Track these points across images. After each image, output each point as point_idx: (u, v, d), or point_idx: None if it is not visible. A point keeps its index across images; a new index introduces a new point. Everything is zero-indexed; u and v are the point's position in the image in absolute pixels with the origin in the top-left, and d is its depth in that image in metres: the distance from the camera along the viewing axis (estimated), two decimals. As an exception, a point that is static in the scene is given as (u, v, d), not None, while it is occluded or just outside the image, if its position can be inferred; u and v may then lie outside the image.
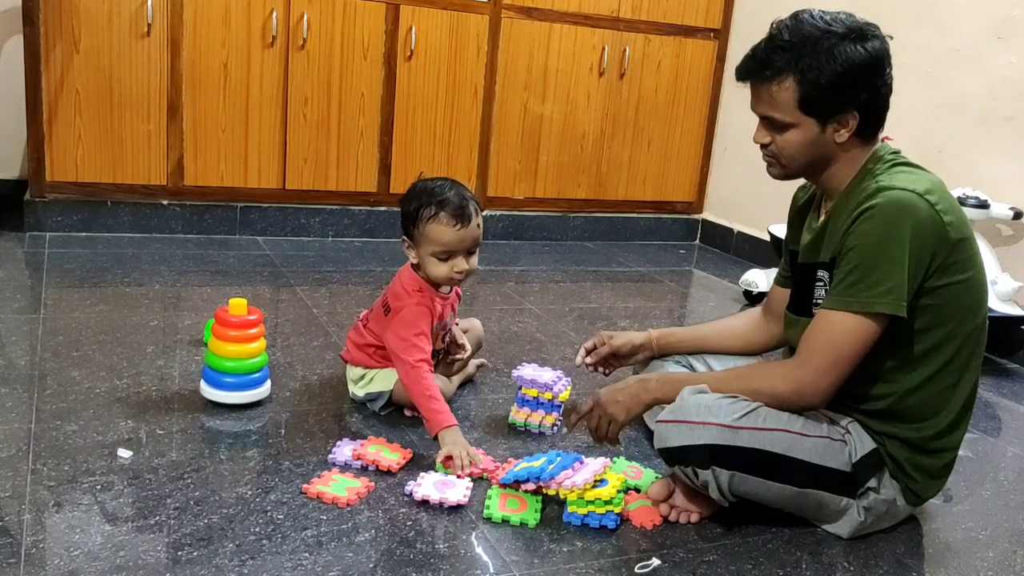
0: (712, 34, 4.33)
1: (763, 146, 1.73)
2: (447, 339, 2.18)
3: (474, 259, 2.00)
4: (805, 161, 1.70)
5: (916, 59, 3.40)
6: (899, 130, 3.25)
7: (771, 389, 1.66)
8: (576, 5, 4.01)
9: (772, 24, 1.67)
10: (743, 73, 1.69)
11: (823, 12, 1.63)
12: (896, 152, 1.71)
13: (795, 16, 1.65)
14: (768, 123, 1.69)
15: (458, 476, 1.79)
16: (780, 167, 1.73)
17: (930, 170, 1.69)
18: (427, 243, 1.96)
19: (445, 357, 2.21)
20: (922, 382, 1.66)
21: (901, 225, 1.56)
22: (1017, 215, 2.96)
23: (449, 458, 1.82)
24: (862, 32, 1.61)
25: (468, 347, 2.23)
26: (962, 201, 2.90)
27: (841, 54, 1.59)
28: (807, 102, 1.62)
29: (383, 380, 2.07)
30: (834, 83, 1.59)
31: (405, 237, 2.02)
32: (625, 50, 4.15)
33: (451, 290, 2.10)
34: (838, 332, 1.61)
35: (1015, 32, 3.10)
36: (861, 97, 1.62)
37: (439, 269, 1.97)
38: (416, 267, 2.03)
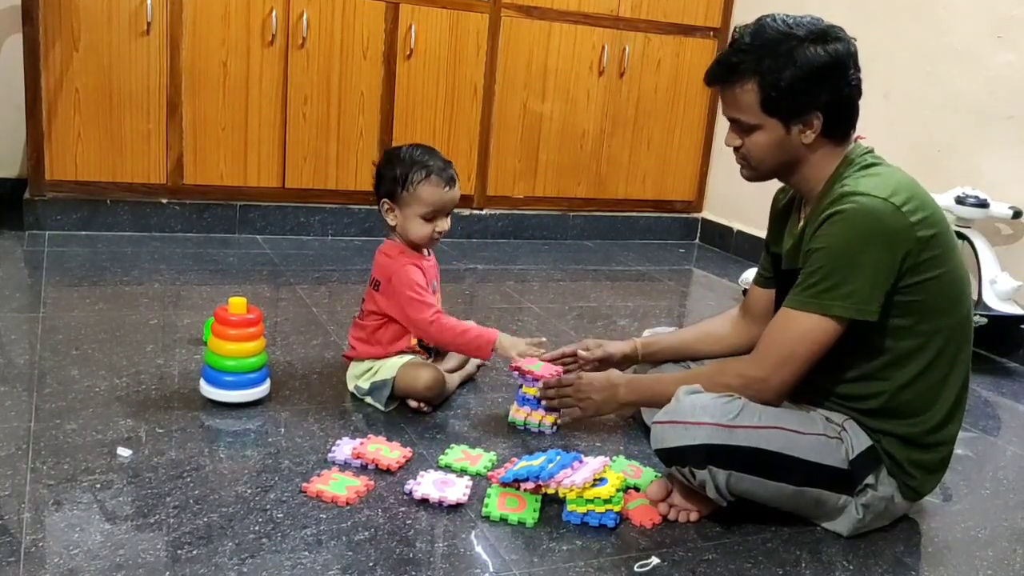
0: (712, 33, 4.32)
1: (735, 149, 1.76)
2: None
3: (449, 220, 2.13)
4: (774, 163, 1.73)
5: (916, 58, 3.40)
6: (899, 129, 3.26)
7: (726, 383, 1.69)
8: (576, 4, 4.01)
9: (735, 29, 1.72)
10: (710, 78, 1.74)
11: (787, 16, 1.67)
12: (868, 151, 1.73)
13: (758, 21, 1.69)
14: (737, 125, 1.73)
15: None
16: (750, 169, 1.77)
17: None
18: (417, 204, 2.07)
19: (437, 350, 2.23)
20: (913, 377, 1.67)
21: (864, 231, 1.58)
22: (1017, 214, 2.95)
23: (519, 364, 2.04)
24: (824, 35, 1.64)
25: None
26: (961, 200, 2.89)
27: (800, 56, 1.62)
28: (768, 103, 1.65)
29: (388, 369, 2.10)
30: (794, 84, 1.63)
31: (387, 200, 2.11)
32: (625, 49, 4.15)
33: (431, 253, 2.20)
34: (794, 330, 1.64)
35: (1015, 31, 3.10)
36: (823, 99, 1.65)
37: (423, 230, 2.09)
38: (393, 233, 2.14)
